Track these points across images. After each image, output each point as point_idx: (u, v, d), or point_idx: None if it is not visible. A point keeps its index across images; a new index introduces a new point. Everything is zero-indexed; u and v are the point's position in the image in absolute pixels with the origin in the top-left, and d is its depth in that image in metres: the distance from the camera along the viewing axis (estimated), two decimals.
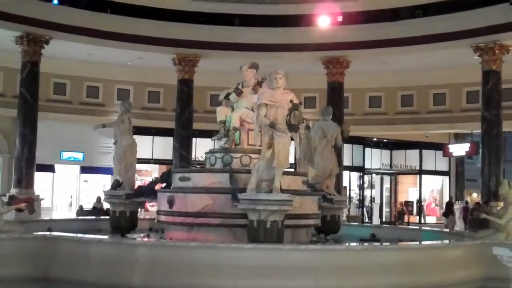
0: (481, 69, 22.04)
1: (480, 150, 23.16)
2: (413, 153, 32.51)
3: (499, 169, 21.65)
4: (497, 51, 21.62)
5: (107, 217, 14.65)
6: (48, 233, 10.37)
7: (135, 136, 14.38)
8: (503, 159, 22.63)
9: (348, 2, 23.73)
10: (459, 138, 30.28)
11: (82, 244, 9.69)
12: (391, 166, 33.21)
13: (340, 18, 23.86)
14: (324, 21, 23.80)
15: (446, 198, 32.55)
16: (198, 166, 24.28)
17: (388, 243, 11.19)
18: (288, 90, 10.37)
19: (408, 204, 31.56)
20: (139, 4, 23.83)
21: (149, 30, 23.39)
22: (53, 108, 25.51)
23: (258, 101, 10.27)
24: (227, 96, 12.74)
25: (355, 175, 31.97)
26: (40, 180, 24.13)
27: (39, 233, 10.24)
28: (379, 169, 33.02)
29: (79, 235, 10.34)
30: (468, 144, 28.48)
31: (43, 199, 22.47)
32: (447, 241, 11.42)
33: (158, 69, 25.40)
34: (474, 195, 31.00)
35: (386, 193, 33.65)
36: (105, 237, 11.43)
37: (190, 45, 23.94)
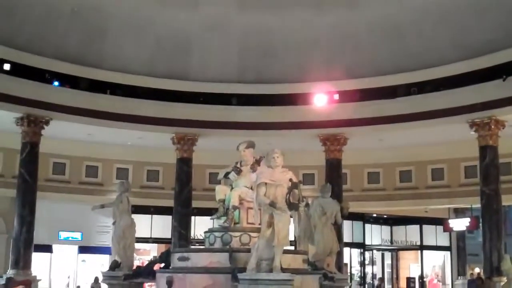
0: (477, 144, 22.18)
1: (481, 224, 23.04)
2: (414, 229, 32.30)
3: (501, 244, 21.49)
4: (493, 126, 21.81)
5: None
6: None
7: (133, 215, 14.36)
8: (504, 233, 22.50)
9: (344, 81, 24.11)
10: (459, 212, 30.14)
11: None
12: (391, 242, 32.94)
13: (336, 97, 24.21)
14: (321, 100, 24.14)
15: (448, 274, 32.20)
16: (197, 244, 24.13)
17: None
18: (286, 168, 10.44)
19: (410, 280, 31.11)
20: (138, 85, 24.22)
21: (148, 111, 23.70)
22: (52, 188, 25.50)
23: (258, 181, 10.32)
24: (226, 175, 12.80)
25: (355, 251, 31.68)
26: (38, 260, 23.86)
27: None
28: (380, 245, 32.74)
29: None
30: (468, 219, 28.33)
31: (40, 280, 22.16)
32: None
33: (157, 148, 25.58)
34: (476, 270, 30.61)
35: (387, 269, 33.24)
36: None
37: (189, 125, 24.20)
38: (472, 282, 24.15)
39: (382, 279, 29.56)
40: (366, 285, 31.80)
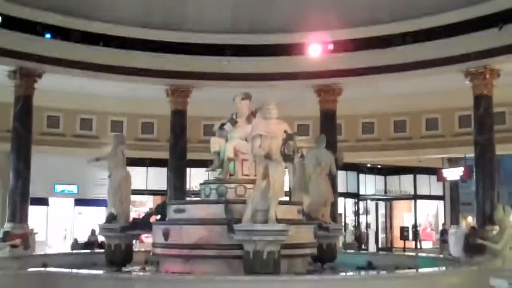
0: (472, 93, 22.16)
1: (474, 174, 23.20)
2: (408, 179, 32.57)
3: (494, 193, 21.67)
4: (487, 76, 21.74)
5: (102, 250, 14.59)
6: (43, 269, 10.32)
7: (129, 168, 14.38)
8: (497, 183, 22.65)
9: (339, 31, 23.90)
10: (452, 162, 30.32)
11: (78, 280, 9.65)
12: (385, 192, 33.23)
13: (331, 47, 24.04)
14: (315, 50, 23.99)
15: (441, 223, 32.56)
16: (193, 196, 24.25)
17: (385, 272, 11.17)
18: (281, 120, 10.43)
19: (404, 229, 31.49)
20: (131, 37, 23.96)
21: (142, 62, 23.50)
22: (46, 142, 25.43)
23: (253, 132, 10.34)
24: (221, 127, 12.80)
25: (350, 201, 31.97)
26: (34, 213, 23.98)
27: (35, 269, 10.18)
28: (374, 195, 33.04)
29: (75, 270, 10.30)
30: (462, 168, 28.54)
31: (37, 233, 22.33)
32: (443, 268, 11.41)
33: (151, 100, 25.44)
34: (469, 218, 30.97)
35: (381, 219, 33.61)
36: (101, 272, 11.37)
37: (183, 76, 24.04)
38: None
39: (359, 229, 29.55)
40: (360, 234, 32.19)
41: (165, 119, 25.42)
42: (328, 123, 24.20)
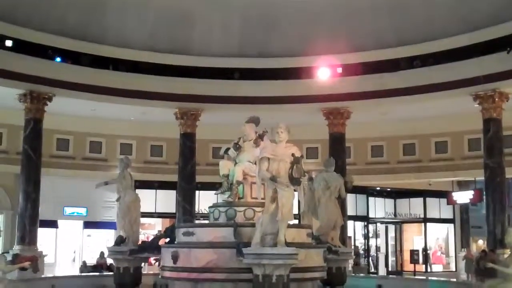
0: (481, 116, 22.13)
1: (484, 197, 23.08)
2: (417, 202, 32.37)
3: (504, 216, 21.55)
4: (496, 99, 21.75)
5: (111, 273, 14.58)
6: None
7: (138, 190, 14.45)
8: (508, 206, 22.54)
9: (347, 54, 24.00)
10: (462, 185, 30.17)
11: None
12: (395, 214, 33.03)
13: (339, 70, 24.12)
14: (324, 73, 24.07)
15: (451, 246, 32.34)
16: (202, 219, 24.22)
17: None
18: (291, 144, 10.44)
19: (414, 253, 31.27)
20: (140, 60, 24.15)
21: (151, 86, 23.65)
22: (56, 164, 25.55)
23: (260, 155, 10.35)
24: (226, 151, 12.84)
25: (359, 224, 31.80)
26: (43, 236, 24.02)
27: None
28: (384, 218, 32.85)
29: None
30: (472, 192, 28.36)
31: (46, 255, 22.33)
32: None
33: (161, 123, 25.57)
34: (480, 242, 30.74)
35: (391, 242, 33.38)
36: None
37: (192, 99, 24.15)
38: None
39: (357, 253, 29.26)
40: (370, 258, 31.96)
41: (174, 142, 25.52)
42: (337, 146, 24.22)
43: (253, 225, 10.59)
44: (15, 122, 23.69)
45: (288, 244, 10.01)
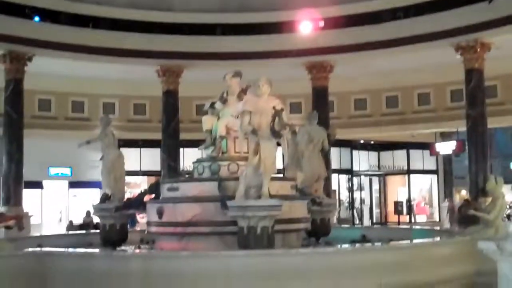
0: (463, 67, 22.18)
1: (467, 147, 23.30)
2: (401, 154, 32.68)
3: (486, 166, 21.81)
4: (478, 49, 21.79)
5: (97, 231, 14.65)
6: (39, 249, 10.35)
7: (122, 149, 14.43)
8: (490, 156, 22.78)
9: (329, 7, 23.85)
10: (445, 136, 30.44)
11: (74, 259, 9.68)
12: (379, 167, 33.35)
13: (321, 24, 23.99)
14: (306, 27, 23.95)
15: (435, 197, 32.76)
16: (187, 175, 24.27)
17: (379, 243, 11.23)
18: (273, 97, 10.45)
19: (398, 204, 31.67)
20: (120, 18, 23.84)
21: (132, 43, 23.44)
22: (38, 125, 25.40)
23: (242, 109, 10.37)
24: (212, 105, 12.80)
25: (344, 177, 32.08)
26: (29, 197, 24.01)
27: (30, 249, 10.21)
28: (368, 170, 33.16)
29: (71, 249, 10.33)
30: (455, 142, 28.66)
31: (32, 215, 22.36)
32: (437, 239, 11.50)
33: (143, 81, 25.39)
34: (463, 192, 31.16)
35: (375, 194, 33.77)
36: (97, 250, 11.42)
37: (174, 57, 23.99)
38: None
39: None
40: (354, 210, 32.35)
41: (157, 100, 25.42)
42: (320, 100, 24.23)
43: (237, 179, 10.65)
44: None
45: (272, 196, 10.09)
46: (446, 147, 29.50)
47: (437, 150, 30.02)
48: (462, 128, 24.01)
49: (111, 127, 14.03)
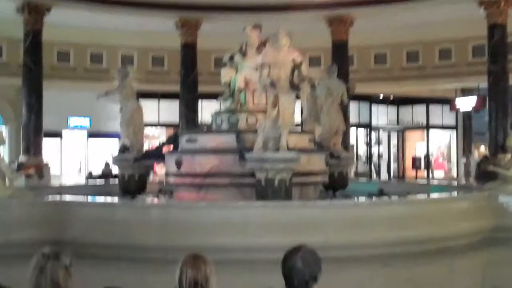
0: (486, 23, 21.81)
1: (487, 103, 23.07)
2: (420, 109, 32.43)
3: (507, 122, 21.59)
4: (502, 4, 21.33)
5: (116, 181, 14.78)
6: (59, 197, 10.49)
7: (140, 100, 14.43)
8: (510, 112, 22.55)
9: None
10: (466, 92, 30.13)
11: (93, 208, 9.82)
12: (398, 122, 33.18)
13: None
14: None
15: (454, 153, 32.61)
16: (205, 128, 24.36)
17: (396, 197, 11.25)
18: (292, 49, 10.37)
19: (416, 159, 31.56)
20: None
21: None
22: (57, 76, 25.46)
23: (261, 61, 10.32)
24: (231, 58, 12.75)
25: (362, 132, 32.00)
26: (48, 147, 24.24)
27: (51, 198, 10.36)
28: (386, 125, 33.01)
29: (90, 198, 10.47)
30: (475, 98, 28.35)
31: (51, 165, 22.60)
32: (454, 194, 11.50)
33: (161, 33, 25.23)
34: (482, 148, 30.98)
35: (393, 149, 33.68)
36: (116, 200, 11.55)
37: (192, 8, 23.76)
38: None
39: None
40: (372, 165, 32.34)
41: (175, 52, 25.30)
42: (340, 54, 23.97)
43: (255, 132, 10.66)
44: (15, 35, 23.43)
45: (290, 149, 10.11)
46: (466, 103, 29.23)
47: (457, 106, 29.77)
48: (483, 84, 23.72)
49: (129, 79, 14.00)
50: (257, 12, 22.55)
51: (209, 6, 23.65)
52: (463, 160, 27.46)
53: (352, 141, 27.88)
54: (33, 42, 22.17)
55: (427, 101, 31.67)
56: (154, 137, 28.41)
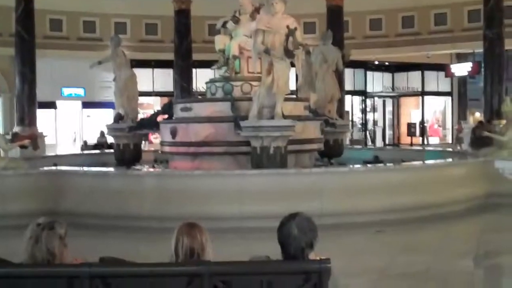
0: None
1: (482, 69, 22.98)
2: (415, 75, 32.33)
3: (502, 88, 21.52)
4: None
5: (112, 150, 14.75)
6: (54, 168, 10.46)
7: (134, 69, 14.33)
8: (506, 78, 22.47)
9: None
10: (461, 58, 30.02)
11: (88, 178, 9.79)
12: (393, 88, 33.09)
13: None
14: None
15: (449, 119, 32.61)
16: (200, 96, 24.25)
17: (391, 164, 11.25)
18: (287, 15, 10.24)
19: (411, 126, 31.57)
20: None
21: None
22: (50, 45, 25.21)
23: (255, 28, 10.19)
24: (224, 25, 12.62)
25: (357, 99, 31.92)
26: (43, 117, 24.10)
27: (46, 168, 10.33)
28: (381, 92, 32.93)
29: (85, 168, 10.44)
30: (470, 64, 28.25)
31: (46, 136, 22.50)
32: (449, 160, 11.50)
33: (154, 0, 24.99)
34: (477, 114, 30.97)
35: (388, 116, 33.66)
36: (111, 169, 11.53)
37: None
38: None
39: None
40: (367, 132, 32.34)
41: (169, 19, 25.05)
42: (335, 20, 23.70)
43: (250, 99, 10.60)
44: (6, 3, 23.14)
45: (285, 117, 10.06)
46: (461, 69, 29.14)
47: (453, 71, 29.68)
48: (479, 49, 23.60)
49: (121, 47, 13.88)
50: None
51: None
52: (455, 127, 27.43)
53: (348, 108, 27.82)
54: (25, 11, 21.82)
55: (422, 67, 31.55)
56: (148, 106, 28.29)
